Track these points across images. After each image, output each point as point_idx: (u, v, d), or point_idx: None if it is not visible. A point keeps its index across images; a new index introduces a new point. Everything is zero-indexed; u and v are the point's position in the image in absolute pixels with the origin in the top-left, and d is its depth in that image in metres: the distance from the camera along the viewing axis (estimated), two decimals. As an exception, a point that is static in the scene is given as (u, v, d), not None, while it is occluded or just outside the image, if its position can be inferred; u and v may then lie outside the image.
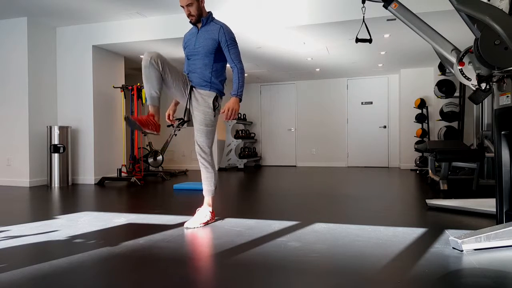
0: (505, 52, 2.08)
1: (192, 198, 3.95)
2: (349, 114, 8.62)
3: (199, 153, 2.70)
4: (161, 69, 2.46)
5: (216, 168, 2.85)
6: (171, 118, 2.80)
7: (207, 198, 2.80)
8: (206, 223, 2.71)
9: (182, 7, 2.61)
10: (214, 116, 2.69)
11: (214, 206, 3.16)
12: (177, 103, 2.89)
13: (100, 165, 5.74)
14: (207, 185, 2.78)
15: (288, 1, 4.64)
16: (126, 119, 2.41)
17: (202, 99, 2.67)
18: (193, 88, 2.69)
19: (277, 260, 1.89)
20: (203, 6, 2.66)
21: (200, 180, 5.77)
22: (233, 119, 2.59)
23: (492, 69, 2.20)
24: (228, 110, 2.55)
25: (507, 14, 2.07)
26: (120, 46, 5.64)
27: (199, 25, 2.69)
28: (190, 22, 2.68)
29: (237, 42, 5.34)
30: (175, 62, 6.72)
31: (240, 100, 2.61)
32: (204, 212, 2.75)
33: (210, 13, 2.70)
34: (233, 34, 2.67)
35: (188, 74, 2.75)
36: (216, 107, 2.69)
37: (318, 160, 8.83)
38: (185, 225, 2.66)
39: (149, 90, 2.46)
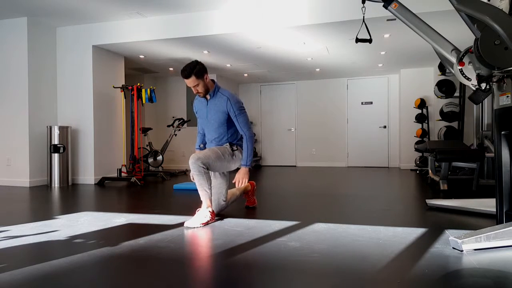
0: (505, 52, 2.08)
1: (192, 198, 3.95)
2: (349, 114, 8.62)
3: (195, 160, 2.73)
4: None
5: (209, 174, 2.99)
6: None
7: (208, 204, 2.82)
8: (206, 223, 2.71)
9: (190, 87, 2.80)
10: (223, 156, 2.85)
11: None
12: None
13: (100, 165, 5.74)
14: (202, 190, 2.82)
15: (288, 1, 4.64)
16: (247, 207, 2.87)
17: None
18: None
19: (277, 260, 1.89)
20: (209, 82, 2.83)
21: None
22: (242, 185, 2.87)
23: (492, 69, 2.21)
24: (238, 180, 2.84)
25: (507, 14, 2.07)
26: (120, 46, 5.64)
27: (208, 97, 2.89)
28: (199, 96, 2.91)
29: (237, 41, 5.37)
30: (176, 62, 6.72)
31: (250, 169, 2.93)
32: (204, 212, 2.76)
33: (215, 85, 2.87)
34: (240, 102, 2.87)
35: (205, 140, 3.07)
36: (228, 153, 2.89)
37: (318, 160, 8.83)
38: (185, 225, 2.67)
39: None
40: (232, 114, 2.82)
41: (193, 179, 2.85)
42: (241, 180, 2.83)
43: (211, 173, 2.99)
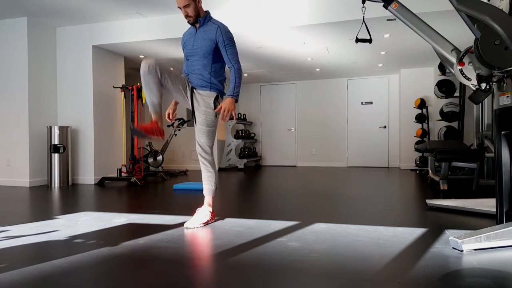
0: (505, 52, 2.08)
1: (192, 198, 3.95)
2: (349, 114, 8.62)
3: (200, 153, 2.72)
4: (159, 75, 2.47)
5: (216, 168, 2.84)
6: (171, 117, 2.81)
7: (208, 198, 2.80)
8: (206, 223, 2.71)
9: (180, 8, 2.61)
10: (215, 116, 2.70)
11: (214, 206, 3.16)
12: (177, 103, 2.90)
13: (100, 165, 5.74)
14: (208, 185, 2.78)
15: (288, 1, 4.64)
16: (131, 129, 2.44)
17: (203, 100, 2.68)
18: (194, 90, 2.70)
19: (277, 260, 1.89)
20: (201, 7, 2.66)
21: (200, 180, 5.77)
22: (228, 120, 2.59)
23: (492, 69, 2.20)
24: (224, 110, 2.55)
25: (507, 14, 2.07)
26: (120, 46, 5.64)
27: (197, 25, 2.69)
28: (188, 22, 2.68)
29: (237, 41, 5.37)
30: (175, 62, 6.72)
31: (236, 101, 2.61)
32: (204, 212, 2.75)
33: (207, 13, 2.70)
34: (231, 33, 2.67)
35: (188, 75, 2.77)
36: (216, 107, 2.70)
37: (318, 160, 8.83)
38: (185, 225, 2.66)
39: (150, 97, 2.50)
40: (220, 44, 2.60)
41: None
42: (226, 110, 2.55)
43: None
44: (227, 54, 2.61)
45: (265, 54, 6.24)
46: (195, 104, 2.70)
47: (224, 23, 2.71)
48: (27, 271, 1.76)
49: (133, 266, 1.82)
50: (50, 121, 5.63)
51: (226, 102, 2.57)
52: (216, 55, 2.66)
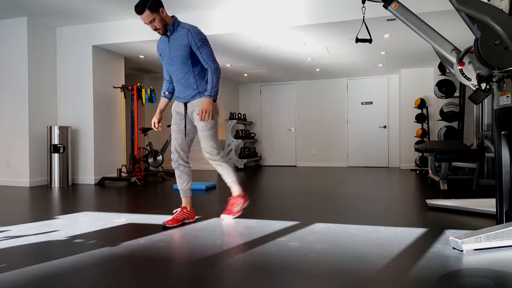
0: (505, 52, 2.08)
1: (192, 198, 3.94)
2: (349, 114, 8.62)
3: (210, 158, 2.78)
4: (187, 158, 2.79)
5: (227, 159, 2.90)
6: (156, 126, 2.85)
7: (235, 188, 2.90)
8: (238, 212, 2.94)
9: (147, 24, 2.60)
10: (213, 118, 2.71)
11: (214, 206, 3.17)
12: (161, 111, 2.88)
13: (100, 165, 5.74)
14: (229, 178, 2.86)
15: (288, 1, 4.64)
16: (164, 228, 2.63)
17: (197, 108, 2.71)
18: (186, 104, 2.74)
19: (277, 260, 1.89)
20: (166, 15, 2.61)
21: (200, 180, 5.77)
22: (208, 120, 2.61)
23: (492, 69, 2.20)
24: (202, 112, 2.58)
25: (507, 14, 2.07)
26: (120, 46, 5.64)
27: (168, 33, 2.67)
28: (159, 33, 2.68)
29: (237, 41, 5.37)
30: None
31: (215, 100, 2.64)
32: (238, 200, 2.91)
33: (174, 19, 2.66)
34: (202, 34, 2.65)
35: (174, 86, 2.82)
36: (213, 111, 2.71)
37: (318, 160, 8.83)
38: (222, 217, 2.90)
39: (181, 184, 2.79)
40: (194, 47, 2.59)
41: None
42: (205, 112, 2.56)
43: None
44: (202, 55, 2.62)
45: (265, 54, 6.24)
46: (192, 115, 2.74)
47: (194, 24, 2.74)
48: (27, 271, 1.76)
49: (133, 266, 1.82)
50: (50, 121, 5.63)
51: (204, 104, 2.59)
52: (194, 58, 2.66)
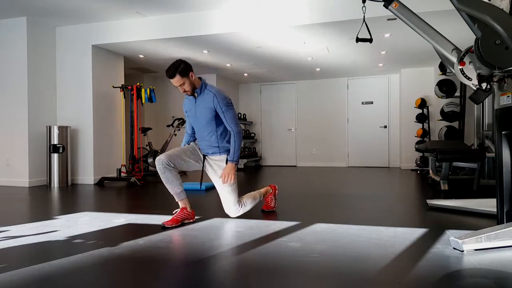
0: (506, 52, 2.07)
1: (191, 198, 3.94)
2: (349, 114, 8.61)
3: (235, 214, 2.89)
4: (173, 165, 2.72)
5: (249, 195, 3.07)
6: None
7: (265, 194, 3.17)
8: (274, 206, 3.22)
9: (176, 86, 2.74)
10: (234, 174, 2.85)
11: (214, 206, 3.17)
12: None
13: (99, 165, 5.73)
14: (258, 199, 3.06)
15: (288, 1, 4.64)
16: (163, 228, 2.64)
17: (217, 165, 2.88)
18: (206, 157, 2.91)
19: (277, 260, 1.88)
20: (195, 79, 2.76)
21: (200, 180, 5.75)
22: (229, 183, 2.80)
23: (492, 68, 2.20)
24: (225, 176, 2.77)
25: (507, 14, 2.06)
26: (120, 45, 5.64)
27: (195, 94, 2.82)
28: (187, 95, 2.84)
29: (237, 41, 5.37)
30: (175, 62, 6.70)
31: (237, 165, 2.82)
32: (270, 197, 3.22)
33: (202, 82, 2.81)
34: (227, 98, 2.80)
35: (197, 139, 2.98)
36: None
37: (319, 160, 8.82)
38: (264, 208, 3.19)
39: (172, 189, 2.75)
40: (219, 111, 2.76)
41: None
42: (227, 176, 2.77)
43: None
44: (226, 119, 2.78)
45: (265, 54, 6.24)
46: (210, 169, 2.90)
47: (220, 89, 2.88)
48: (27, 271, 1.75)
49: (132, 267, 1.82)
50: (50, 121, 5.62)
51: (227, 168, 2.79)
52: (218, 120, 2.83)
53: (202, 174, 2.95)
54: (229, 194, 2.86)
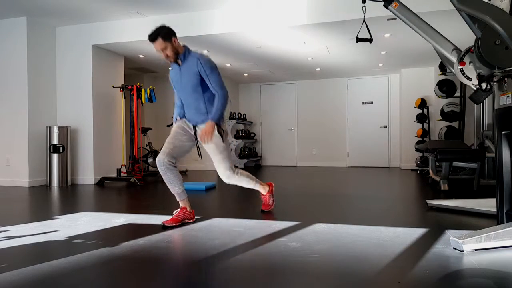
0: (506, 52, 2.07)
1: (192, 198, 3.95)
2: (349, 114, 8.61)
3: (228, 179, 2.87)
4: (175, 162, 2.72)
5: (241, 170, 3.01)
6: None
7: (260, 187, 3.13)
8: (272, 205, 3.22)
9: (158, 51, 2.68)
10: (223, 141, 2.80)
11: (214, 206, 3.17)
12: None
13: (99, 165, 5.73)
14: (250, 184, 3.02)
15: (288, 1, 4.64)
16: (163, 227, 2.64)
17: None
18: (196, 127, 2.82)
19: (277, 260, 1.88)
20: (178, 45, 2.70)
21: (199, 180, 5.77)
22: (208, 142, 2.70)
23: (492, 69, 2.20)
24: (202, 133, 2.67)
25: (507, 14, 2.06)
26: (120, 45, 5.64)
27: (180, 62, 2.75)
28: (170, 62, 2.75)
29: (237, 41, 5.37)
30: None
31: (217, 124, 2.71)
32: (267, 195, 3.20)
33: (185, 48, 2.74)
34: (211, 62, 2.72)
35: (184, 112, 2.88)
36: (222, 134, 2.78)
37: (319, 160, 8.82)
38: (263, 208, 3.19)
39: (174, 189, 2.76)
40: (203, 74, 2.67)
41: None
42: (205, 134, 2.64)
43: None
44: (211, 82, 2.69)
45: (265, 54, 6.24)
46: (199, 138, 2.82)
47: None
48: (27, 271, 1.75)
49: (132, 267, 1.82)
50: (50, 121, 5.62)
51: (206, 126, 2.68)
52: (204, 85, 2.74)
53: (198, 146, 2.88)
54: (220, 163, 2.80)
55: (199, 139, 2.77)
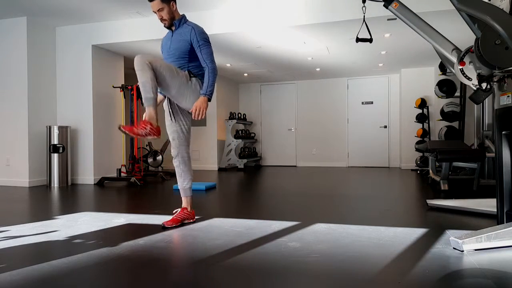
0: (506, 52, 2.07)
1: (192, 198, 3.94)
2: (349, 114, 8.61)
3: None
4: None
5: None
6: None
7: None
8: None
9: (155, 12, 2.64)
10: (187, 83, 2.61)
11: (214, 206, 3.16)
12: (156, 106, 2.73)
13: (99, 165, 5.73)
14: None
15: (288, 1, 4.64)
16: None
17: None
18: (171, 100, 2.73)
19: (277, 260, 1.88)
20: (175, 10, 2.67)
21: (199, 180, 5.76)
22: (201, 118, 2.58)
23: (492, 68, 2.20)
24: (196, 109, 2.54)
25: (507, 14, 2.06)
26: (120, 45, 5.64)
27: (173, 28, 2.71)
28: (164, 26, 2.70)
29: (237, 41, 5.37)
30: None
31: (209, 100, 2.60)
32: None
33: (183, 16, 2.72)
34: (206, 34, 2.67)
35: None
36: (190, 76, 2.63)
37: (319, 160, 8.82)
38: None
39: (182, 183, 2.72)
40: (195, 44, 2.60)
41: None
42: (198, 109, 2.54)
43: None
44: (202, 54, 2.62)
45: (265, 54, 6.24)
46: (175, 106, 2.73)
47: (200, 25, 2.72)
48: (27, 271, 1.75)
49: (132, 267, 1.82)
50: (50, 121, 5.62)
51: (198, 101, 2.56)
52: (192, 56, 2.66)
53: (171, 111, 2.74)
54: (182, 98, 2.62)
55: (192, 115, 2.58)
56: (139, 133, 2.44)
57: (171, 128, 2.76)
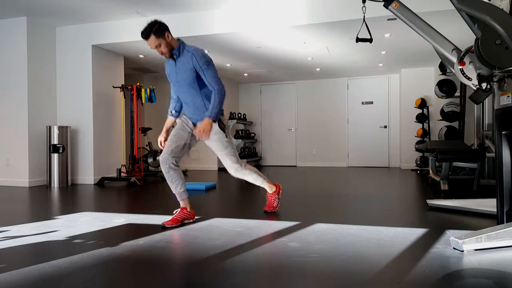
0: (506, 52, 2.07)
1: (192, 198, 3.94)
2: (349, 114, 8.61)
3: (235, 172, 2.86)
4: (178, 162, 2.72)
5: (250, 166, 3.02)
6: (163, 145, 2.84)
7: (267, 186, 3.09)
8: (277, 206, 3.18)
9: (153, 49, 2.67)
10: (227, 136, 2.79)
11: (214, 206, 3.17)
12: (168, 130, 2.90)
13: (99, 165, 5.73)
14: (257, 181, 3.00)
15: (288, 1, 4.64)
16: (163, 228, 2.62)
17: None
18: (195, 124, 2.80)
19: (277, 260, 1.88)
20: (172, 39, 2.66)
21: (199, 180, 5.77)
22: (204, 139, 2.69)
23: (492, 68, 2.20)
24: (199, 131, 2.63)
25: (507, 14, 2.06)
26: (120, 45, 5.64)
27: (175, 57, 2.72)
28: (165, 57, 2.73)
29: (237, 41, 5.37)
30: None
31: (214, 121, 2.68)
32: (273, 196, 3.17)
33: (180, 42, 2.70)
34: (206, 56, 2.68)
35: (182, 105, 2.88)
36: (224, 128, 2.77)
37: (319, 160, 8.82)
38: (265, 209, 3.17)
39: (175, 189, 2.74)
40: (199, 70, 2.63)
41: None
42: (201, 131, 2.61)
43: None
44: (206, 78, 2.65)
45: (265, 54, 6.24)
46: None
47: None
48: (27, 272, 1.75)
49: (132, 267, 1.82)
50: (50, 121, 5.62)
51: (202, 123, 2.65)
52: (200, 81, 2.70)
53: (189, 137, 2.81)
54: (226, 156, 2.80)
55: (196, 136, 2.73)
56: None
57: (177, 134, 2.77)
